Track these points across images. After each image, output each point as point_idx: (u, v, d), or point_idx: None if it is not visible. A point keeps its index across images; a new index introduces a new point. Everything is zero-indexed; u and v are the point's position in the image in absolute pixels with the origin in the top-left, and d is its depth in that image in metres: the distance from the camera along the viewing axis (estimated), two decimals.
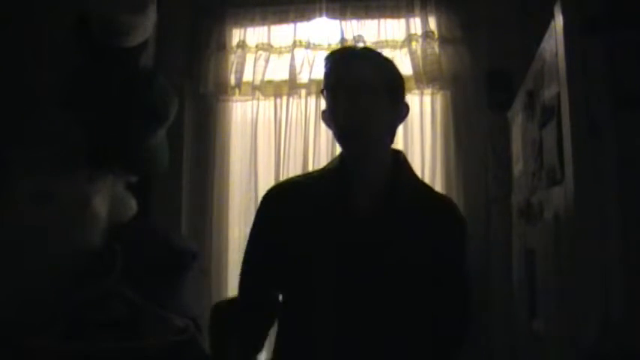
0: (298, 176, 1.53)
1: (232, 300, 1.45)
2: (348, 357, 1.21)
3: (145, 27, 2.12)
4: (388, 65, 1.33)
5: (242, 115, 2.61)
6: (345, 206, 1.27)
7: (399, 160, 1.36)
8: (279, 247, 1.29)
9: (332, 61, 1.31)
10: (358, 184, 1.29)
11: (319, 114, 2.48)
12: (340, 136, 1.29)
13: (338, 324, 1.21)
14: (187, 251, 2.00)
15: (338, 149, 2.51)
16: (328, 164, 1.42)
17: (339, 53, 1.35)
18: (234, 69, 2.53)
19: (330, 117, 1.29)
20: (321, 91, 1.32)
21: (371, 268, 1.22)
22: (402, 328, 1.24)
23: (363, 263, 1.23)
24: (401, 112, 1.33)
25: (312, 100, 2.50)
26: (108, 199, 1.93)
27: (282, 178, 2.43)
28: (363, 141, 1.27)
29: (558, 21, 1.35)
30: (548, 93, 1.48)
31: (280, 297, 1.40)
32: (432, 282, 1.27)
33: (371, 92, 1.24)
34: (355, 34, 2.48)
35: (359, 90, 1.24)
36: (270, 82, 2.54)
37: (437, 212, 1.34)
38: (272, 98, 2.55)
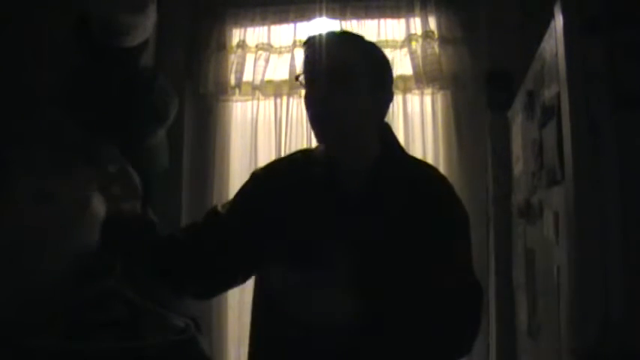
0: (299, 151, 1.47)
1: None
2: (334, 340, 1.14)
3: (145, 27, 2.11)
4: (368, 49, 1.27)
5: (242, 115, 2.61)
6: (330, 188, 1.24)
7: (387, 136, 1.31)
8: (262, 221, 1.24)
9: (307, 47, 1.26)
10: (343, 166, 1.25)
11: None
12: (311, 126, 1.26)
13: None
14: None
15: None
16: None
17: (314, 39, 1.27)
18: (234, 69, 2.53)
19: (305, 106, 1.25)
20: (296, 78, 1.28)
21: (356, 252, 1.15)
22: (392, 311, 1.16)
23: (348, 246, 1.17)
24: (385, 97, 1.27)
25: None
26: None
27: None
28: (335, 131, 1.22)
29: (558, 21, 1.35)
30: (548, 93, 1.48)
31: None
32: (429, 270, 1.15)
33: (345, 79, 1.19)
34: None
35: (331, 78, 1.18)
36: (270, 82, 2.54)
37: (430, 193, 1.25)
38: (272, 98, 2.55)
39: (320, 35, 1.25)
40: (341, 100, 1.19)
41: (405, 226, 1.19)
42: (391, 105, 2.50)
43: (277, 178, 1.31)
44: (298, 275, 1.14)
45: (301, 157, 1.37)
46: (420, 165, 1.39)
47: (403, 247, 1.16)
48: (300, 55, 2.49)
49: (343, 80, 1.19)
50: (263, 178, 1.34)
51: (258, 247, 1.24)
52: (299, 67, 2.46)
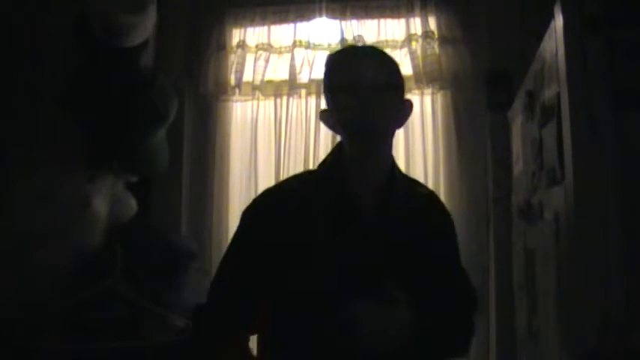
0: (289, 179, 1.45)
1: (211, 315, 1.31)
2: None
3: (145, 27, 2.12)
4: (392, 63, 1.31)
5: (242, 115, 2.61)
6: (346, 209, 1.25)
7: (392, 158, 1.35)
8: (274, 256, 1.22)
9: (337, 61, 1.28)
10: (359, 185, 1.27)
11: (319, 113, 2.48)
12: (355, 135, 1.25)
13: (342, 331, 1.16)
14: (187, 251, 2.00)
15: None
16: (322, 164, 1.36)
17: (343, 53, 1.32)
18: (234, 69, 2.53)
19: (341, 118, 1.25)
20: (329, 91, 1.28)
21: (376, 272, 1.20)
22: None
23: (368, 266, 1.20)
24: (406, 109, 1.31)
25: (312, 100, 2.50)
26: (108, 199, 1.94)
27: (283, 178, 2.43)
28: (377, 140, 1.26)
29: (558, 21, 1.35)
30: (548, 93, 1.48)
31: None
32: (436, 281, 1.24)
33: (382, 91, 1.23)
34: (355, 34, 2.47)
35: (371, 89, 1.21)
36: (270, 82, 2.53)
37: (431, 209, 1.36)
38: (272, 98, 2.55)
39: (346, 50, 1.32)
40: (377, 111, 1.22)
41: (419, 245, 1.25)
42: None
43: (284, 206, 1.28)
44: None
45: (300, 183, 1.35)
46: (419, 184, 1.47)
47: (420, 266, 1.22)
48: (299, 55, 2.51)
49: (378, 92, 1.22)
50: (267, 212, 1.30)
51: (276, 278, 1.23)
52: (299, 67, 2.48)
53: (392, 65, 1.30)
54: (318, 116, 1.31)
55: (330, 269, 1.20)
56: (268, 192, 1.37)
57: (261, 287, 1.25)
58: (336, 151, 1.33)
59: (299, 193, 1.29)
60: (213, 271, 1.30)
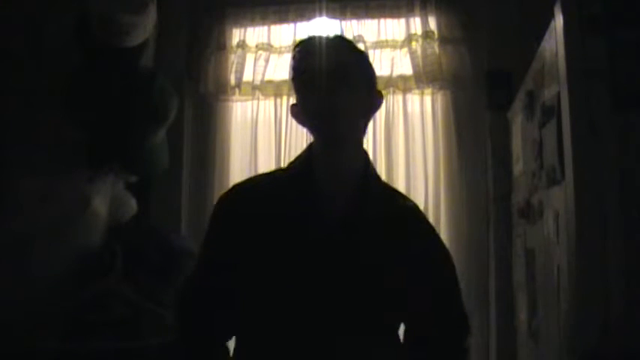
0: (260, 175, 1.43)
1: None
2: None
3: (145, 27, 2.12)
4: (361, 54, 1.29)
5: (242, 115, 2.61)
6: (314, 208, 1.21)
7: (367, 159, 1.30)
8: (242, 255, 1.21)
9: (304, 49, 1.24)
10: (328, 183, 1.22)
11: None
12: (313, 125, 1.23)
13: (307, 333, 1.15)
14: (187, 251, 2.00)
15: None
16: (292, 162, 1.33)
17: (310, 41, 1.26)
18: (234, 69, 2.53)
19: (304, 107, 1.22)
20: (292, 79, 1.24)
21: (343, 273, 1.16)
22: (377, 338, 1.20)
23: (334, 267, 1.17)
24: (375, 101, 1.28)
25: None
26: (108, 199, 1.94)
27: None
28: (341, 129, 1.20)
29: (558, 21, 1.35)
30: (548, 93, 1.48)
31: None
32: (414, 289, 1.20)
33: (348, 80, 1.19)
34: (355, 34, 2.47)
35: (336, 78, 1.18)
36: (270, 82, 2.53)
37: (408, 215, 1.29)
38: (272, 98, 2.55)
39: (312, 39, 1.25)
40: (345, 97, 1.19)
41: (391, 253, 1.19)
42: (391, 105, 2.45)
43: (253, 208, 1.25)
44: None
45: (270, 179, 1.33)
46: (401, 194, 1.39)
47: (390, 275, 1.18)
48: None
49: (343, 81, 1.19)
50: (234, 210, 1.28)
51: (244, 285, 1.22)
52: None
53: (359, 57, 1.26)
54: (289, 111, 1.25)
55: (288, 271, 1.17)
56: (236, 186, 1.36)
57: (235, 283, 1.22)
58: (307, 149, 1.30)
59: (266, 189, 1.27)
60: None
